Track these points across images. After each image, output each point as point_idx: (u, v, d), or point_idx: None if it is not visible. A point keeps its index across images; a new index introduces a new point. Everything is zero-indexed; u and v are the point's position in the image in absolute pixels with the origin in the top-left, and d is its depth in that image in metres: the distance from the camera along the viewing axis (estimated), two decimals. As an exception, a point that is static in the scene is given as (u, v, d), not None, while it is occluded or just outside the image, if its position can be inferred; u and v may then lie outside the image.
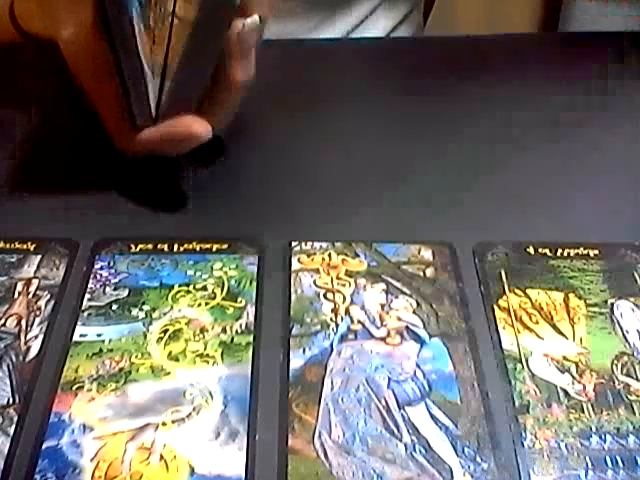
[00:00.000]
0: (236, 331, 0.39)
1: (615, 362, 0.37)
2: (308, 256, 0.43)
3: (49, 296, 0.41)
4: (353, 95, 0.58)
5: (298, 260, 0.43)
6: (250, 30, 0.43)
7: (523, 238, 0.44)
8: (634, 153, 0.52)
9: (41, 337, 0.39)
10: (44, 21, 0.50)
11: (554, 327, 0.39)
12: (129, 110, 0.44)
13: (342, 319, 0.40)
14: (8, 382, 0.37)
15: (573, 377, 0.37)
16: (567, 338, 0.39)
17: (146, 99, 0.43)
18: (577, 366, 0.37)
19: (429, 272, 0.42)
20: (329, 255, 0.43)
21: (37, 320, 0.40)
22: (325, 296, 0.41)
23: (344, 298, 0.41)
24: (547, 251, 0.43)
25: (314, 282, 0.42)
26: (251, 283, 0.42)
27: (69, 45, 0.46)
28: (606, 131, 0.54)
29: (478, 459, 0.33)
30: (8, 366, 0.37)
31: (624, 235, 0.44)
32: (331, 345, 0.38)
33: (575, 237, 0.44)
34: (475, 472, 0.33)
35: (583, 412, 0.35)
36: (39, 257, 0.43)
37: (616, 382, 0.36)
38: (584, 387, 0.36)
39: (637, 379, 0.36)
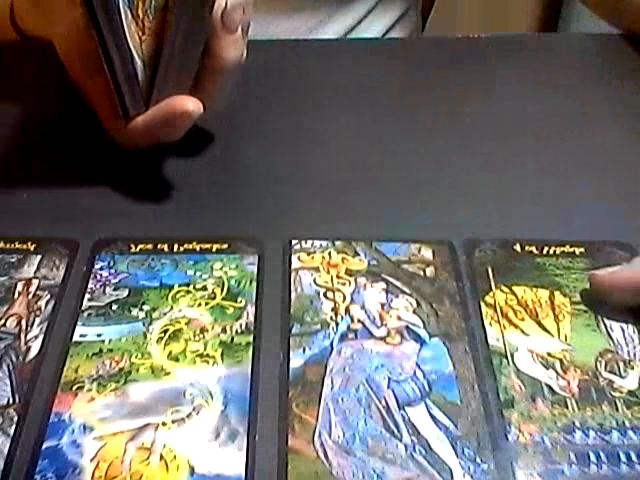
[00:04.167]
0: (236, 331, 0.39)
1: (599, 359, 0.37)
2: (308, 254, 0.43)
3: (49, 296, 0.41)
4: (353, 95, 0.58)
5: (298, 258, 0.43)
6: (233, 7, 0.43)
7: (511, 235, 0.44)
8: (622, 152, 0.52)
9: (41, 337, 0.39)
10: (40, 21, 0.51)
11: (539, 324, 0.39)
12: (120, 100, 0.44)
13: (342, 318, 0.39)
14: (8, 382, 0.37)
15: (557, 373, 0.37)
16: (552, 335, 0.39)
17: (137, 85, 0.43)
18: (561, 362, 0.37)
19: (429, 271, 0.42)
20: (329, 254, 0.43)
21: (37, 320, 0.40)
22: (325, 295, 0.41)
23: (344, 297, 0.41)
24: (533, 249, 0.43)
25: (314, 281, 0.42)
26: (251, 283, 0.42)
27: (62, 43, 0.47)
28: (598, 130, 0.54)
29: (478, 460, 0.33)
30: (8, 366, 0.37)
31: (609, 233, 0.44)
32: (331, 344, 0.38)
33: (561, 235, 0.44)
34: (475, 473, 0.33)
35: (567, 407, 0.35)
36: (39, 257, 0.43)
37: (600, 379, 0.37)
38: (568, 383, 0.36)
39: (620, 376, 0.37)
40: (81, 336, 0.39)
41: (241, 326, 0.39)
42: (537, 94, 0.57)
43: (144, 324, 0.39)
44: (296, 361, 0.37)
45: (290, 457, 0.33)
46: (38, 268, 0.42)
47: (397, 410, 0.35)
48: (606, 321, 0.39)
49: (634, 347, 0.38)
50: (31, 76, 0.60)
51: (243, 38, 0.46)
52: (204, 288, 0.41)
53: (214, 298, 0.41)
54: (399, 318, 0.40)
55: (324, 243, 0.44)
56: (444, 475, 0.33)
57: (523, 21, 1.29)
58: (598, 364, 0.37)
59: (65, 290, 0.41)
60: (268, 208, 0.48)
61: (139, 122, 0.45)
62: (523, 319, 0.40)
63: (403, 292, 0.41)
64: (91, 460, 0.33)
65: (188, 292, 0.41)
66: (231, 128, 0.53)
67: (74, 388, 0.36)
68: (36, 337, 0.39)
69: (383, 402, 0.35)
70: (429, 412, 0.35)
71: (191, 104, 0.44)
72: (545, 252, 0.43)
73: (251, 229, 0.45)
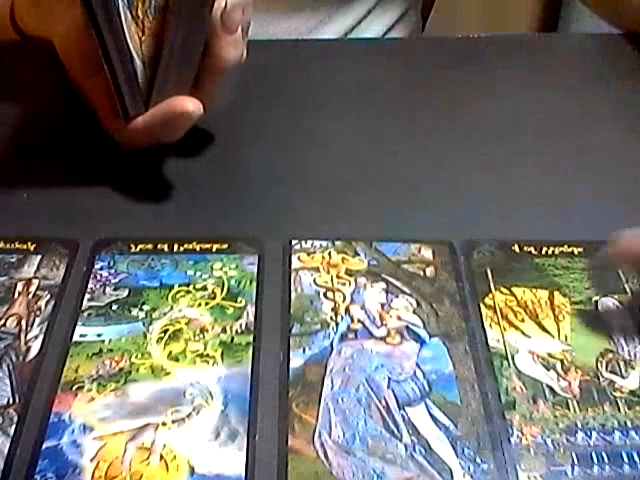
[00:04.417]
0: (236, 331, 0.39)
1: (600, 359, 0.37)
2: (308, 254, 0.43)
3: (49, 296, 0.41)
4: (353, 95, 0.58)
5: (298, 258, 0.43)
6: (233, 7, 0.44)
7: (511, 235, 0.44)
8: (622, 152, 0.52)
9: (41, 337, 0.39)
10: (40, 21, 0.51)
11: (539, 325, 0.39)
12: (120, 100, 0.44)
13: (342, 318, 0.39)
14: (8, 382, 0.37)
15: (558, 374, 0.37)
16: (552, 335, 0.39)
17: (137, 86, 0.44)
18: (562, 363, 0.37)
19: (429, 271, 0.42)
20: (329, 254, 0.43)
21: (37, 320, 0.40)
22: (325, 295, 0.41)
23: (344, 297, 0.41)
24: (532, 249, 0.43)
25: (314, 281, 0.42)
26: (251, 283, 0.42)
27: (62, 43, 0.47)
28: (598, 130, 0.54)
29: (478, 460, 0.33)
30: (8, 366, 0.37)
31: (608, 233, 0.44)
32: (331, 344, 0.38)
33: (561, 235, 0.44)
34: (475, 473, 0.33)
35: (569, 409, 0.35)
36: (39, 257, 0.43)
37: (601, 379, 0.37)
38: (569, 384, 0.36)
39: (621, 376, 0.37)
40: (81, 336, 0.39)
41: (241, 326, 0.39)
42: (537, 94, 0.57)
43: (144, 324, 0.39)
44: (296, 361, 0.37)
45: (290, 457, 0.33)
46: (38, 268, 0.42)
47: (397, 410, 0.35)
48: (606, 321, 0.39)
49: (635, 347, 0.38)
50: (31, 76, 0.60)
51: (243, 38, 0.46)
52: (204, 288, 0.41)
53: (214, 298, 0.41)
54: (399, 318, 0.40)
55: (324, 243, 0.44)
56: (444, 475, 0.33)
57: (523, 21, 1.29)
58: (599, 364, 0.37)
59: (65, 290, 0.41)
60: (268, 208, 0.48)
61: (139, 122, 0.45)
62: (523, 320, 0.39)
63: (403, 292, 0.41)
64: (91, 460, 0.33)
65: (188, 292, 0.41)
66: (231, 128, 0.53)
67: (74, 388, 0.36)
68: (36, 337, 0.39)
69: (383, 402, 0.35)
70: (429, 412, 0.35)
71: (191, 105, 0.44)
72: (544, 252, 0.43)
73: (251, 229, 0.45)
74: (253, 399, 0.36)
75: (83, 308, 0.40)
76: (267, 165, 0.51)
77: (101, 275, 0.42)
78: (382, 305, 0.40)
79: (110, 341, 0.39)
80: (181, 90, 0.45)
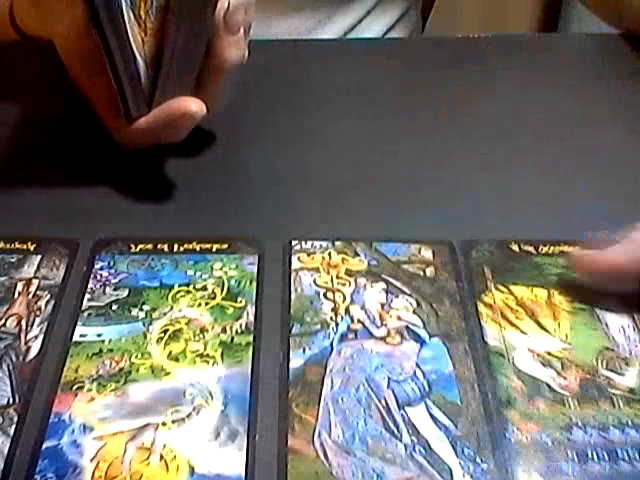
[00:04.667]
0: (236, 331, 0.39)
1: (598, 357, 0.37)
2: (308, 255, 0.43)
3: (49, 296, 0.41)
4: (353, 95, 0.58)
5: (298, 259, 0.43)
6: (236, 8, 0.44)
7: (512, 235, 0.44)
8: (622, 152, 0.52)
9: (41, 337, 0.39)
10: (40, 21, 0.51)
11: (538, 323, 0.39)
12: (123, 101, 0.44)
13: (342, 318, 0.39)
14: (8, 382, 0.37)
15: (557, 372, 0.37)
16: (551, 334, 0.39)
17: (139, 87, 0.44)
18: (561, 361, 0.37)
19: (429, 271, 0.42)
20: (329, 254, 0.43)
21: (37, 320, 0.40)
22: (325, 295, 0.41)
23: (344, 297, 0.41)
24: (531, 249, 0.43)
25: (314, 281, 0.42)
26: (251, 283, 0.42)
27: (62, 42, 0.47)
28: (598, 130, 0.54)
29: (478, 460, 0.33)
30: (8, 366, 0.37)
31: (609, 233, 0.44)
32: (331, 344, 0.38)
33: (561, 235, 0.44)
34: (475, 473, 0.33)
35: (567, 406, 0.35)
36: (39, 257, 0.43)
37: (599, 377, 0.37)
38: (568, 382, 0.36)
39: (620, 374, 0.37)
40: (81, 336, 0.39)
41: (241, 326, 0.39)
42: (537, 94, 0.57)
43: (144, 324, 0.39)
44: (296, 361, 0.37)
45: (290, 457, 0.33)
46: (38, 268, 0.42)
47: (397, 410, 0.35)
48: (605, 319, 0.39)
49: (635, 345, 0.38)
50: (31, 76, 0.60)
51: (245, 39, 0.46)
52: (204, 288, 0.41)
53: (214, 298, 0.41)
54: (399, 318, 0.40)
55: (324, 243, 0.44)
56: (444, 475, 0.33)
57: (523, 21, 1.29)
58: (597, 362, 0.37)
59: (65, 290, 0.41)
60: (268, 208, 0.48)
61: (142, 123, 0.45)
62: (522, 319, 0.40)
63: (403, 292, 0.41)
64: (91, 460, 0.33)
65: (188, 292, 0.41)
66: (231, 128, 0.53)
67: (74, 388, 0.36)
68: (36, 337, 0.39)
69: (383, 402, 0.35)
70: (429, 412, 0.35)
71: (194, 105, 0.44)
72: (543, 252, 0.43)
73: (251, 229, 0.45)
74: (253, 399, 0.36)
75: (83, 308, 0.40)
76: (267, 165, 0.51)
77: (101, 275, 0.42)
78: (382, 305, 0.40)
79: (110, 341, 0.39)
80: (184, 90, 0.45)
